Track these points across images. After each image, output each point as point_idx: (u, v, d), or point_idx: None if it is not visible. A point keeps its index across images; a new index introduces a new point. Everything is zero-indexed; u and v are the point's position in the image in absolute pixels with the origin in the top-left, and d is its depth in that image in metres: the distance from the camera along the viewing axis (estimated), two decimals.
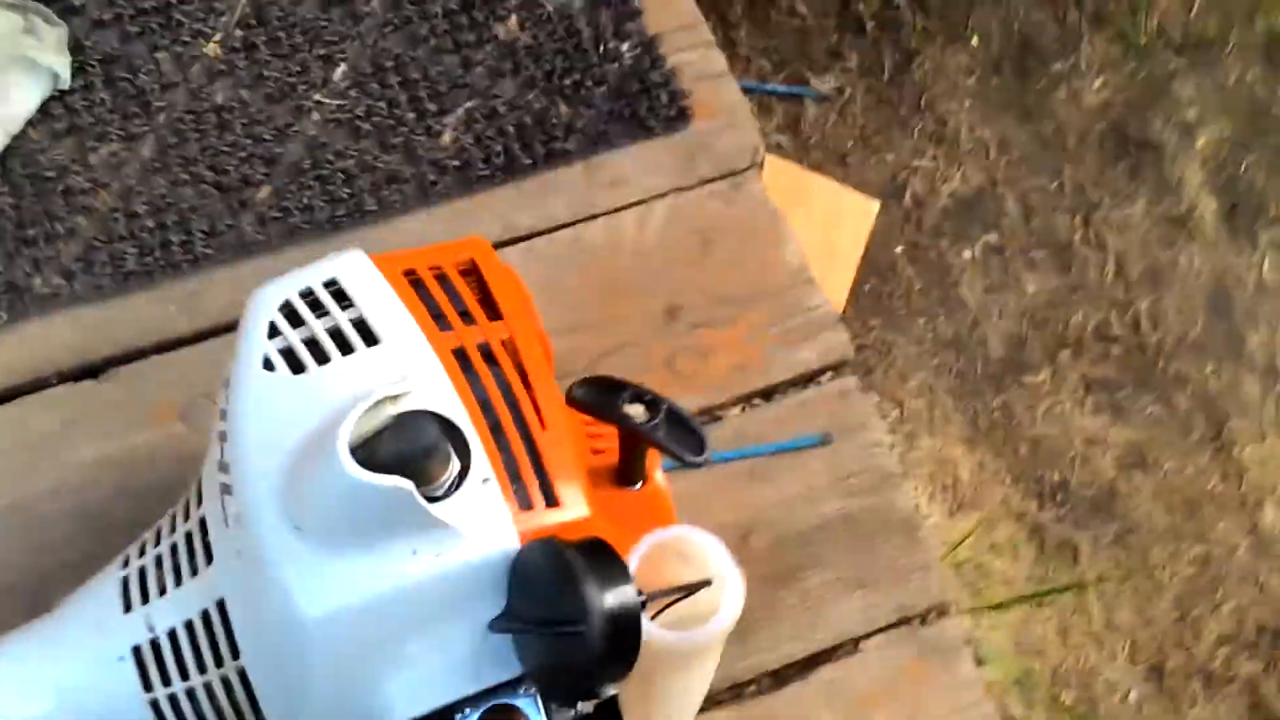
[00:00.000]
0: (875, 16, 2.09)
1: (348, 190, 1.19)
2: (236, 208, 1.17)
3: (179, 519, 0.81)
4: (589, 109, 1.26)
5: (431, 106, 1.23)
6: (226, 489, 0.72)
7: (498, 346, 0.75)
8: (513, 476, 0.70)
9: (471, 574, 0.67)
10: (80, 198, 1.15)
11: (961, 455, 1.86)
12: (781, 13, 2.06)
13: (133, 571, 0.81)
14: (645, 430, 0.78)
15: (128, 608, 0.79)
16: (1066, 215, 2.03)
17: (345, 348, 0.72)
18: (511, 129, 1.24)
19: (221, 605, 0.75)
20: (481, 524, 0.68)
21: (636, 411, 0.79)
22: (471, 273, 0.79)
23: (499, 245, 1.16)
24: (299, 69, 1.23)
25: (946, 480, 1.84)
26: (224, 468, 0.73)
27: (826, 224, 1.84)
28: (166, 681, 0.77)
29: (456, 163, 1.22)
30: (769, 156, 1.85)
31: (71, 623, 0.82)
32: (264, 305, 0.75)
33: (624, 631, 0.63)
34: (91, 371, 1.10)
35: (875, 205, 1.89)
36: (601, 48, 1.28)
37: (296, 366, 0.72)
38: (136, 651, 0.78)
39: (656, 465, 0.89)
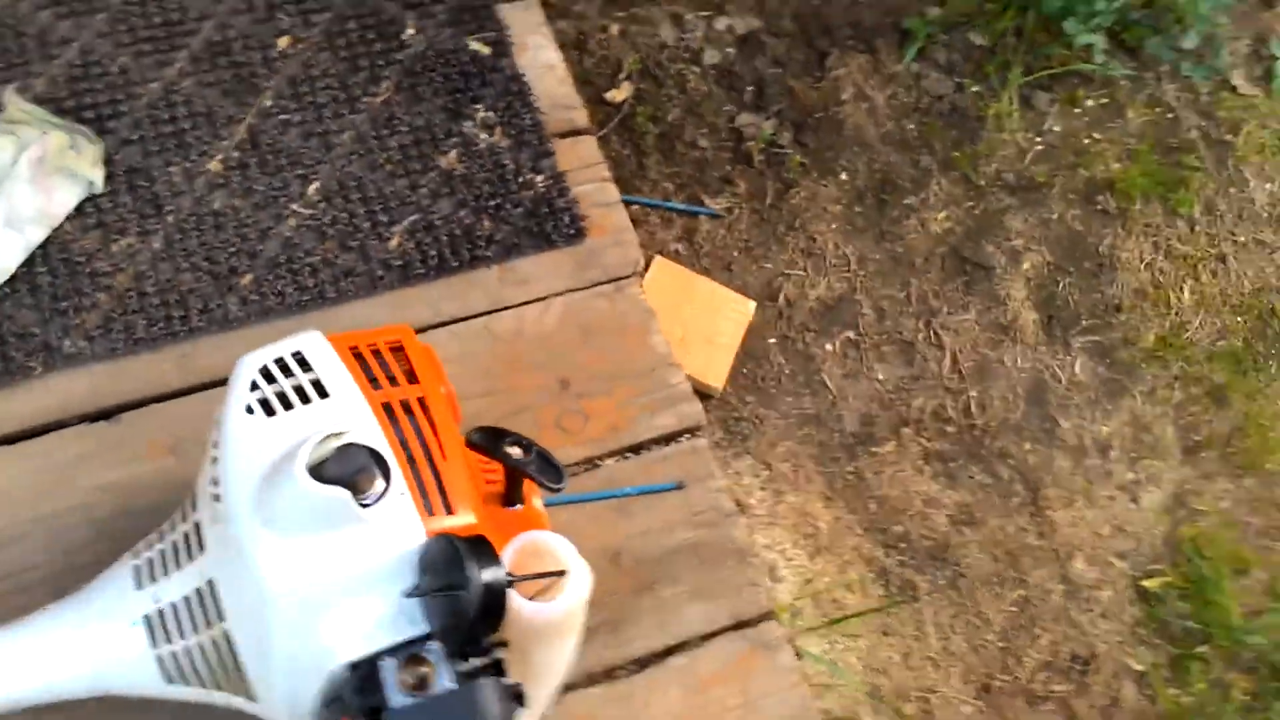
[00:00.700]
0: (763, 153, 2.19)
1: (313, 281, 1.35)
2: (224, 291, 1.33)
3: (178, 521, 1.00)
4: (507, 225, 1.43)
5: (384, 218, 1.40)
6: (217, 496, 0.92)
7: (414, 403, 0.95)
8: (421, 492, 0.89)
9: (390, 558, 0.87)
10: (102, 279, 1.30)
11: (821, 509, 1.97)
12: (686, 146, 2.18)
13: (142, 560, 0.99)
14: (520, 465, 0.98)
15: (139, 586, 0.98)
16: (912, 319, 2.15)
17: (305, 399, 0.92)
18: (445, 238, 1.40)
19: (212, 583, 0.93)
20: (398, 524, 0.88)
21: (515, 452, 0.98)
22: (398, 349, 0.99)
23: (430, 328, 1.34)
24: (281, 184, 1.39)
25: (808, 530, 1.94)
26: (215, 481, 0.92)
27: (711, 318, 1.98)
28: (169, 640, 0.95)
29: (400, 262, 1.38)
30: (663, 259, 2.03)
31: (94, 598, 1.00)
32: (248, 368, 0.95)
33: (494, 596, 0.83)
34: (104, 415, 1.24)
35: (752, 305, 2.02)
36: (520, 178, 1.46)
37: (270, 411, 0.92)
38: (147, 619, 0.96)
39: (535, 495, 1.08)
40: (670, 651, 1.23)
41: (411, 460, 0.90)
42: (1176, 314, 2.33)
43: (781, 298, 2.12)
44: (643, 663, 1.22)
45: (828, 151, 2.27)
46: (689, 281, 2.01)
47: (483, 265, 1.40)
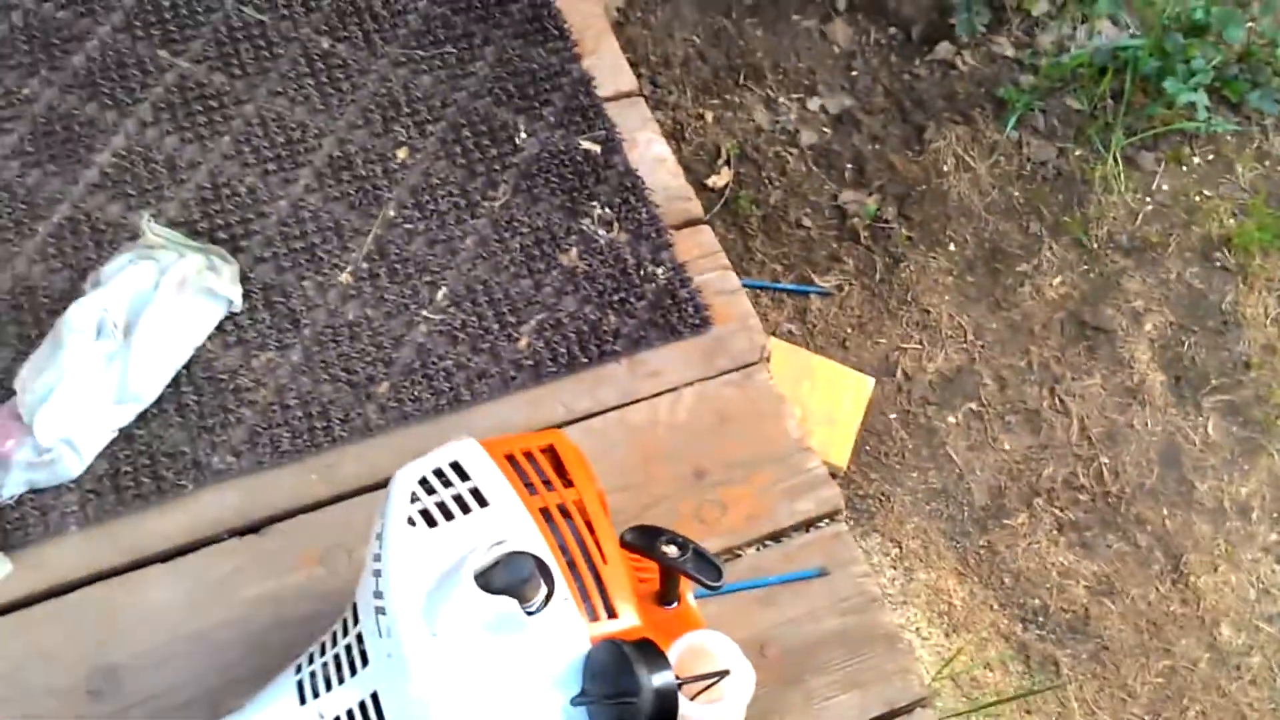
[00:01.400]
0: (868, 229, 2.20)
1: (448, 384, 1.37)
2: (363, 399, 1.35)
3: (339, 635, 1.00)
4: (632, 318, 1.44)
5: (511, 319, 1.42)
6: (381, 610, 0.92)
7: (570, 506, 0.95)
8: (584, 597, 0.89)
9: (556, 665, 0.87)
10: (246, 394, 1.33)
11: (954, 586, 1.93)
12: (790, 226, 2.20)
13: (305, 675, 0.99)
14: (677, 564, 0.97)
15: (302, 701, 0.98)
16: (1035, 386, 2.12)
17: (465, 508, 0.93)
18: (573, 335, 1.42)
19: (375, 697, 0.93)
20: (563, 630, 0.87)
21: (671, 551, 0.97)
22: (549, 453, 1.00)
23: (563, 424, 1.35)
24: (410, 292, 1.42)
25: (942, 607, 1.91)
26: (379, 595, 0.93)
27: (830, 397, 1.97)
28: None
29: (530, 362, 1.39)
30: (780, 341, 2.02)
31: (258, 713, 1.00)
32: (406, 480, 0.95)
33: (665, 702, 0.82)
34: (254, 528, 1.26)
35: (871, 381, 2.02)
36: (642, 272, 1.47)
37: (431, 522, 0.92)
38: None
39: (689, 590, 1.07)
40: None
41: (572, 565, 0.90)
42: None
43: (899, 372, 2.11)
44: None
45: (934, 223, 2.27)
46: (805, 362, 2.00)
47: (611, 360, 1.41)
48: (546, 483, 0.96)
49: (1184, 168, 2.43)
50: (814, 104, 2.39)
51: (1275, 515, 2.11)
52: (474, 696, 0.86)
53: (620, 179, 1.55)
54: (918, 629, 1.89)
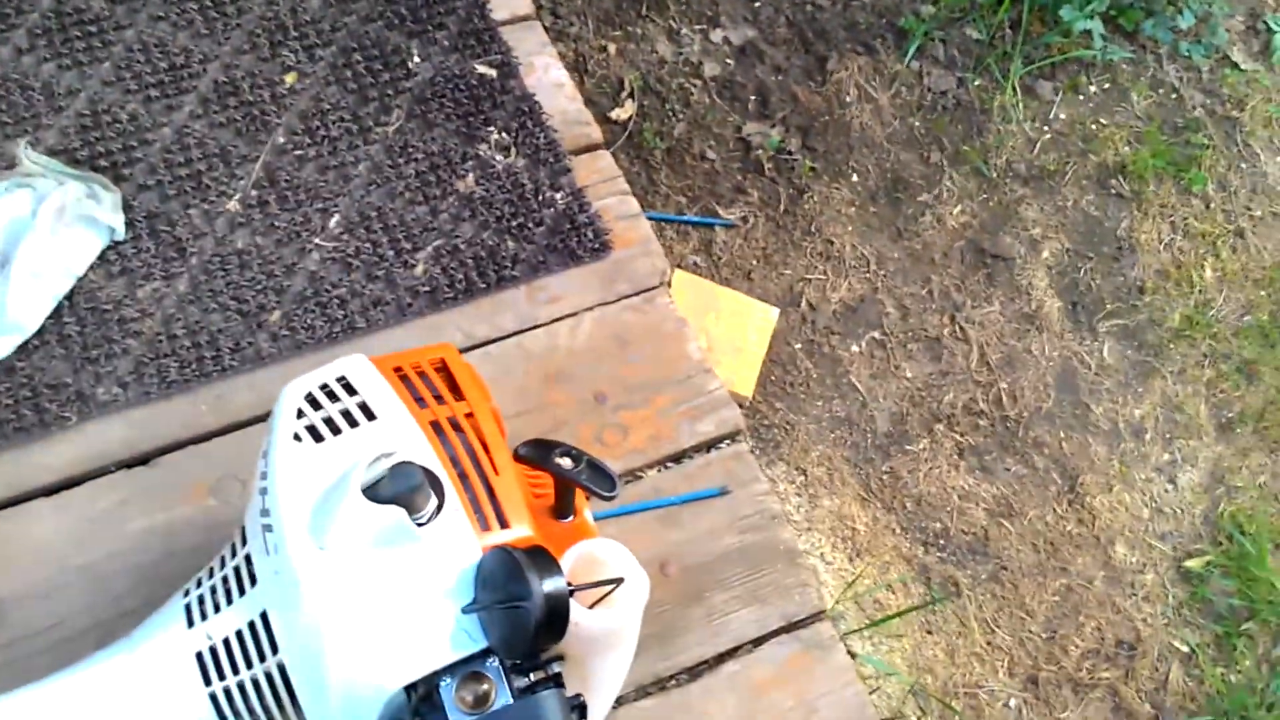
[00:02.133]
0: (772, 160, 2.19)
1: (341, 312, 1.35)
2: (254, 329, 1.32)
3: (227, 559, 0.99)
4: (530, 244, 1.43)
5: (407, 245, 1.40)
6: (268, 528, 0.91)
7: (462, 419, 0.94)
8: (475, 508, 0.88)
9: (447, 575, 0.86)
10: (131, 324, 1.30)
11: (858, 511, 1.95)
12: (695, 158, 2.18)
13: (192, 598, 0.97)
14: (571, 475, 0.96)
15: (190, 624, 0.96)
16: (936, 314, 2.14)
17: (352, 423, 0.91)
18: (470, 261, 1.40)
19: (264, 616, 0.92)
20: (453, 540, 0.87)
21: (565, 463, 0.97)
22: (442, 368, 0.98)
23: (463, 351, 1.33)
24: (302, 219, 1.39)
25: (846, 533, 1.93)
26: (266, 513, 0.91)
27: (735, 328, 1.97)
28: (222, 676, 0.93)
29: (427, 288, 1.38)
30: (685, 273, 2.02)
31: (145, 639, 0.98)
32: (293, 396, 0.94)
33: (557, 607, 0.81)
34: (142, 460, 1.24)
35: (775, 311, 2.02)
36: (540, 197, 1.46)
37: (318, 438, 0.91)
38: (199, 656, 0.94)
39: (586, 507, 1.07)
40: (723, 658, 1.22)
41: (463, 476, 0.89)
42: (1200, 292, 2.32)
43: (804, 303, 2.12)
44: (696, 672, 1.21)
45: (837, 154, 2.27)
46: (711, 293, 2.00)
47: (510, 286, 1.40)
48: (438, 397, 0.95)
49: (1081, 96, 2.46)
50: (717, 35, 2.38)
51: (1168, 436, 2.17)
52: (365, 610, 0.85)
53: (517, 104, 1.53)
54: (822, 554, 1.91)
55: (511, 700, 0.83)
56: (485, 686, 0.84)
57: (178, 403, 1.28)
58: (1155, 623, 2.02)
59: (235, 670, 0.93)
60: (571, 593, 0.84)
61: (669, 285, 1.45)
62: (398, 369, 0.96)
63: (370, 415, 0.91)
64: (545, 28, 1.62)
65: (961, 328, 2.16)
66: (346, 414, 0.92)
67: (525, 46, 1.58)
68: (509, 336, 1.37)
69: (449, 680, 0.84)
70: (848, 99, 2.33)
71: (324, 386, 0.94)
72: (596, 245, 1.44)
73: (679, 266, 2.08)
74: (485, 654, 0.85)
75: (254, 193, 1.40)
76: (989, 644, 1.92)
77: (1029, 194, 2.32)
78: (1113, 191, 2.38)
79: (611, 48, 2.32)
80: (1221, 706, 1.92)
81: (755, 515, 1.30)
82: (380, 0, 1.56)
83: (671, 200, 2.19)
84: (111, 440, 1.24)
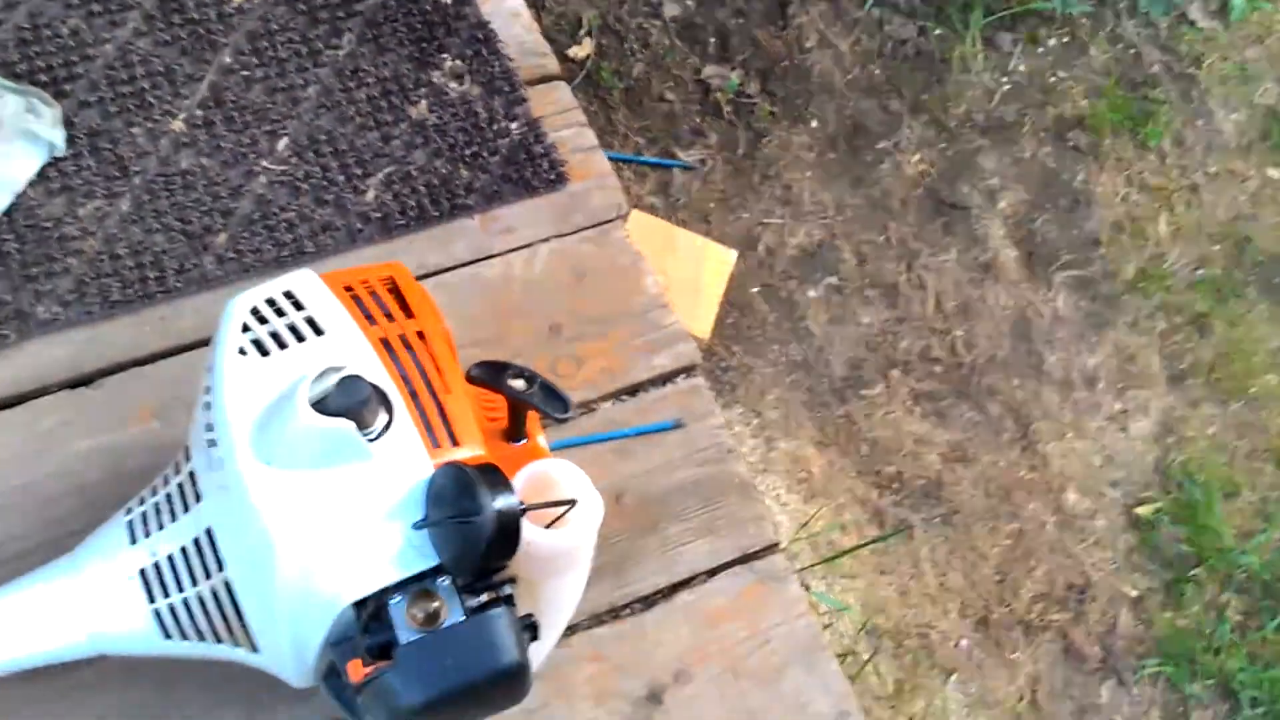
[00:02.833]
0: (731, 103, 2.19)
1: (290, 236, 1.32)
2: (200, 250, 1.29)
3: (170, 475, 0.97)
4: (485, 173, 1.40)
5: (358, 171, 1.37)
6: (212, 443, 0.89)
7: (412, 336, 0.92)
8: (426, 425, 0.87)
9: (396, 491, 0.85)
10: (72, 243, 1.27)
11: (813, 454, 1.97)
12: (653, 99, 2.17)
13: (135, 516, 0.96)
14: (524, 396, 0.95)
15: (133, 541, 0.94)
16: (893, 262, 2.15)
17: (299, 337, 0.90)
18: (423, 188, 1.37)
19: (209, 532, 0.90)
20: (404, 457, 0.85)
21: (518, 384, 0.96)
22: (393, 288, 0.97)
23: (416, 279, 1.32)
24: (249, 141, 1.36)
25: (801, 475, 1.94)
26: (210, 428, 0.89)
27: (692, 269, 1.97)
28: (166, 594, 0.92)
29: (379, 215, 1.35)
30: (643, 214, 2.01)
31: (87, 556, 0.96)
32: (238, 309, 0.92)
33: (508, 523, 0.80)
34: (85, 381, 1.21)
35: (733, 254, 2.02)
36: (495, 126, 1.43)
37: (264, 351, 0.89)
38: (143, 573, 0.93)
39: (539, 432, 1.06)
40: (677, 588, 1.22)
41: (414, 394, 0.88)
42: (1155, 245, 2.34)
43: (761, 247, 2.12)
44: (649, 601, 1.21)
45: (796, 99, 2.27)
46: (669, 234, 1.99)
47: (464, 215, 1.37)
48: (387, 315, 0.93)
49: (1040, 49, 2.47)
50: None
51: (1119, 386, 2.19)
52: (313, 526, 0.84)
53: (472, 31, 1.50)
54: (778, 495, 1.93)
55: (463, 619, 0.83)
56: (436, 604, 0.83)
57: (121, 323, 1.24)
58: (1105, 568, 2.05)
59: (180, 588, 0.92)
60: (523, 511, 0.83)
61: (625, 220, 1.43)
62: (347, 286, 0.94)
63: (318, 330, 0.90)
64: None
65: (918, 275, 2.17)
66: (293, 329, 0.90)
67: None
68: (463, 266, 1.34)
69: (399, 598, 0.83)
70: (808, 44, 2.32)
71: (270, 301, 0.92)
72: (553, 177, 1.42)
73: (636, 207, 2.06)
74: (436, 572, 0.84)
75: (199, 113, 1.37)
76: (941, 585, 1.95)
77: (987, 144, 2.32)
78: (1070, 144, 2.39)
79: None
80: (1170, 650, 1.95)
81: (710, 449, 1.29)
82: None
83: (629, 141, 2.17)
84: (53, 360, 1.21)
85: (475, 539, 0.80)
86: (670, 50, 2.24)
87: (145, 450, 1.18)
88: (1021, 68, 2.43)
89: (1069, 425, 2.14)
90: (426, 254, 1.34)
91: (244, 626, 0.93)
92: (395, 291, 0.96)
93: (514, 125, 1.44)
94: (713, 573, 1.23)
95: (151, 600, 0.93)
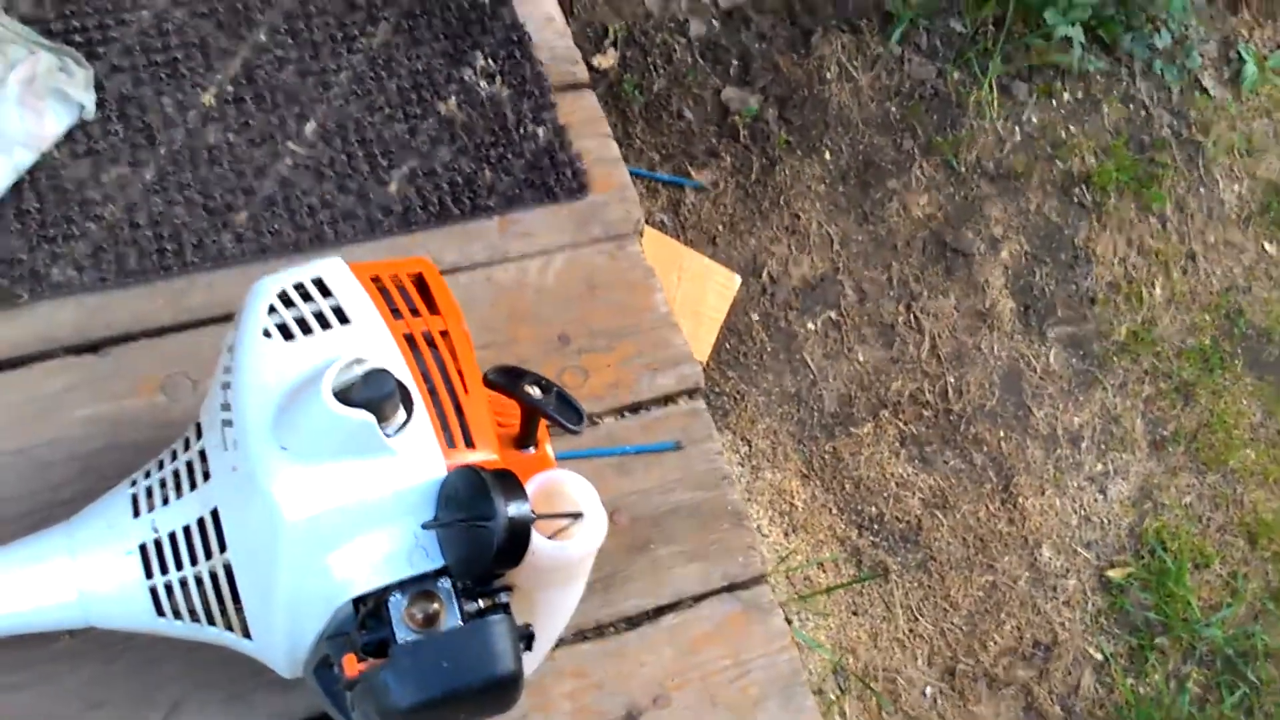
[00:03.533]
0: (748, 128, 2.19)
1: (310, 221, 1.32)
2: (219, 227, 1.29)
3: (179, 451, 0.97)
4: (508, 176, 1.40)
5: (383, 162, 1.37)
6: (228, 422, 0.89)
7: (436, 334, 0.92)
8: (443, 425, 0.87)
9: (410, 489, 0.85)
10: (93, 208, 1.26)
11: (798, 487, 1.97)
12: (672, 116, 2.18)
13: (140, 489, 0.96)
14: (539, 404, 0.95)
15: (136, 514, 0.94)
16: (893, 301, 2.16)
17: (325, 325, 0.90)
18: (446, 185, 1.38)
19: (215, 513, 0.90)
20: (419, 455, 0.85)
21: (534, 391, 0.96)
22: (418, 281, 0.97)
23: None
24: (277, 122, 1.36)
25: (784, 507, 1.94)
26: (227, 407, 0.89)
27: (696, 290, 1.97)
28: (165, 571, 0.92)
29: (400, 208, 1.35)
30: (652, 230, 2.02)
31: (87, 525, 0.96)
32: (265, 291, 0.92)
33: (519, 531, 0.81)
34: (91, 348, 1.20)
35: (737, 279, 2.03)
36: (522, 129, 1.43)
37: (288, 336, 0.89)
38: (142, 548, 0.93)
39: (547, 441, 1.06)
40: (663, 611, 1.22)
41: (433, 392, 0.88)
42: (1148, 310, 2.36)
43: (765, 274, 2.13)
44: (635, 621, 1.21)
45: (812, 130, 2.28)
46: (676, 252, 1.99)
47: (484, 215, 1.38)
48: (413, 310, 0.93)
49: (1054, 102, 2.49)
50: None
51: (1102, 446, 2.21)
52: (322, 516, 0.84)
53: (507, 31, 1.50)
54: (759, 526, 1.93)
55: (461, 623, 0.83)
56: (435, 606, 0.84)
57: (134, 293, 1.24)
58: (1073, 628, 2.06)
59: (179, 566, 0.92)
60: (534, 520, 0.83)
61: (641, 234, 1.44)
62: (374, 277, 0.94)
63: (344, 319, 0.90)
64: None
65: (916, 317, 2.18)
66: (319, 315, 0.90)
67: None
68: (478, 267, 1.35)
69: (399, 596, 0.83)
70: (828, 75, 2.34)
71: (299, 285, 0.92)
72: (575, 185, 1.42)
73: (646, 223, 2.07)
74: (438, 574, 0.85)
75: (230, 89, 1.37)
76: (911, 631, 1.96)
77: (994, 192, 2.34)
78: (1075, 200, 2.41)
79: None
80: (1129, 717, 1.96)
81: (707, 473, 1.30)
82: None
83: (645, 155, 2.18)
84: (62, 323, 1.21)
85: (485, 544, 0.80)
86: (693, 69, 2.25)
87: (148, 424, 1.17)
88: (1034, 119, 2.45)
89: (1050, 482, 2.15)
90: (443, 251, 1.34)
91: (239, 611, 0.93)
92: (421, 287, 0.97)
93: (540, 130, 1.45)
94: (699, 598, 1.23)
95: (149, 576, 0.92)
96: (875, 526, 2.02)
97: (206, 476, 0.92)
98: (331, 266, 0.93)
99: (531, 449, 1.02)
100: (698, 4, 2.34)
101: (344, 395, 0.83)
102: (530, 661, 0.99)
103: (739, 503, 1.29)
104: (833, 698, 1.82)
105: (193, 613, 0.94)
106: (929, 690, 1.93)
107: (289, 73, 1.40)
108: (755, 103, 2.25)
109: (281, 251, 1.30)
